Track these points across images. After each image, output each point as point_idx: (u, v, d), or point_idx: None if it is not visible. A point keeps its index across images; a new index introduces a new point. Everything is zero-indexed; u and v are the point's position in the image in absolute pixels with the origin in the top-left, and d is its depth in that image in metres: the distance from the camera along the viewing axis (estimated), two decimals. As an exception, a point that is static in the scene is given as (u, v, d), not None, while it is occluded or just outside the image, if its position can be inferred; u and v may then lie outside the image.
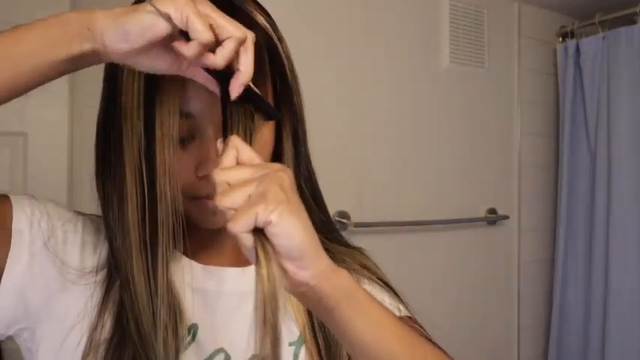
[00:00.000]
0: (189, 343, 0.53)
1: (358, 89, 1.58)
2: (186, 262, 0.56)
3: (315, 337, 0.56)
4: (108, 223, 0.52)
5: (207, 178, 0.49)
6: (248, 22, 0.49)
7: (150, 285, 0.50)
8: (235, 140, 0.43)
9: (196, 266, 0.56)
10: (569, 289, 1.98)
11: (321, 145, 1.70)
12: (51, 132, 1.73)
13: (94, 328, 0.50)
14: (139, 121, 0.48)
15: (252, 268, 0.52)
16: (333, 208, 1.52)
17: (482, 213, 1.87)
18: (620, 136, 1.82)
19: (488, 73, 1.88)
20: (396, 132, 1.66)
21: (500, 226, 1.93)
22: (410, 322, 0.60)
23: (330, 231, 0.63)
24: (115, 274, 0.52)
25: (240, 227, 0.38)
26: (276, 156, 0.56)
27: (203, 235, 0.57)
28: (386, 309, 0.46)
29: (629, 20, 1.85)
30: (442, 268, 1.76)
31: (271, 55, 0.53)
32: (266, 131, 0.52)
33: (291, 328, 0.57)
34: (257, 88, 0.47)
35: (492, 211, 1.89)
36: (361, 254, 0.67)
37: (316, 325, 0.56)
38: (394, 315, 0.46)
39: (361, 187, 1.58)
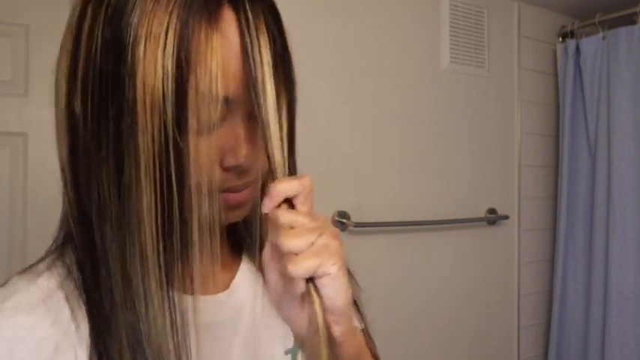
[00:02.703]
0: None
1: (358, 89, 1.58)
2: (179, 300, 0.45)
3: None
4: (104, 243, 0.41)
5: (234, 169, 0.44)
6: None
7: (169, 321, 0.42)
8: (308, 180, 0.42)
9: (185, 298, 0.46)
10: (569, 289, 1.98)
11: (321, 145, 1.71)
12: (51, 132, 1.73)
13: None
14: (166, 108, 0.39)
15: (230, 289, 0.53)
16: (333, 208, 1.53)
17: (482, 213, 1.87)
18: (620, 136, 1.82)
19: (489, 73, 1.88)
20: (396, 132, 1.66)
21: (500, 226, 1.93)
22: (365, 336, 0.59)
23: None
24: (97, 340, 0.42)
25: (302, 272, 0.39)
26: None
27: (187, 265, 0.47)
28: None
29: (629, 20, 1.84)
30: (442, 268, 1.76)
31: (285, 34, 0.47)
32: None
33: (285, 335, 0.54)
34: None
35: (492, 211, 1.89)
36: None
37: None
38: None
39: (361, 187, 1.58)
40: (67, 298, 0.42)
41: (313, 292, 0.40)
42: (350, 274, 0.61)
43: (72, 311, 0.42)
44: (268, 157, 0.42)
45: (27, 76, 1.70)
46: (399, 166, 1.67)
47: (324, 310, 0.40)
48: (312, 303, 0.40)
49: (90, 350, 0.41)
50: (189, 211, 0.41)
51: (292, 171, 0.47)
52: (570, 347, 1.96)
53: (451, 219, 1.75)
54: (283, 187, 0.41)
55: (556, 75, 2.10)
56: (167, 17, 0.38)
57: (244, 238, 0.56)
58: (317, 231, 0.40)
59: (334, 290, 0.40)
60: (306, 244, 0.39)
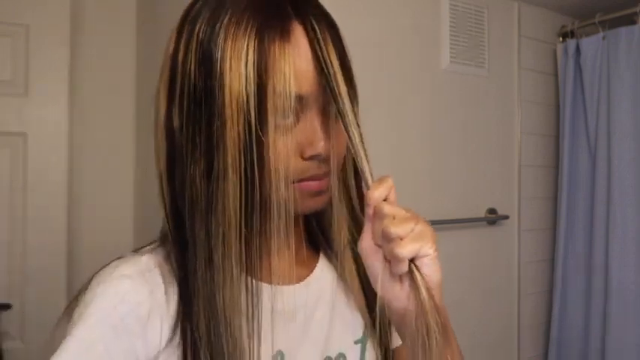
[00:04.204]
0: None
1: (357, 89, 1.58)
2: (253, 283, 0.53)
3: (379, 333, 0.60)
4: (193, 230, 0.49)
5: (315, 159, 0.51)
6: (328, 15, 0.56)
7: (244, 298, 0.50)
8: (391, 182, 0.51)
9: (264, 287, 0.54)
10: (569, 289, 1.98)
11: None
12: (51, 132, 1.74)
13: None
14: (249, 108, 0.47)
15: (301, 285, 0.59)
16: (333, 208, 1.53)
17: (482, 213, 1.87)
18: (620, 136, 1.82)
19: (489, 73, 1.88)
20: (396, 132, 1.66)
21: (500, 226, 1.93)
22: None
23: None
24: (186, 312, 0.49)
25: (407, 253, 0.47)
26: None
27: (264, 255, 0.54)
28: (459, 347, 0.61)
29: (629, 20, 1.85)
30: (442, 268, 1.76)
31: (345, 47, 0.57)
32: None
33: (355, 327, 0.60)
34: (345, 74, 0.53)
35: (492, 211, 1.89)
36: None
37: (379, 321, 0.59)
38: (461, 354, 0.60)
39: (361, 187, 1.58)
40: (163, 276, 0.51)
41: (416, 271, 0.48)
42: None
43: (165, 288, 0.51)
44: (349, 138, 0.51)
45: (27, 76, 1.71)
46: (398, 166, 1.67)
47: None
48: (416, 279, 0.47)
49: (174, 325, 0.49)
50: (269, 194, 0.49)
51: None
52: (570, 347, 1.96)
53: (451, 219, 1.75)
54: (377, 194, 0.50)
55: (556, 75, 2.10)
56: (247, 37, 0.47)
57: (320, 239, 0.64)
58: (414, 219, 0.48)
59: (432, 269, 0.48)
60: (409, 230, 0.47)
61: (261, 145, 0.48)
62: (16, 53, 1.71)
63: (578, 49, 1.97)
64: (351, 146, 0.51)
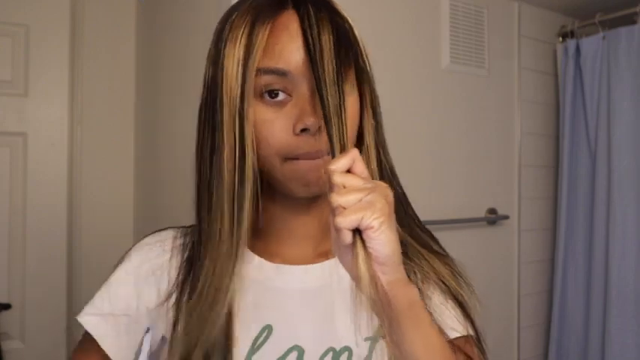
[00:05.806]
0: (263, 343, 0.56)
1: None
2: (257, 260, 0.59)
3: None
4: (201, 202, 0.56)
5: (305, 134, 0.53)
6: (333, 9, 0.56)
7: (231, 267, 0.54)
8: (355, 153, 0.48)
9: (267, 265, 0.60)
10: (569, 289, 1.98)
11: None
12: (51, 132, 1.74)
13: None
14: (237, 85, 0.52)
15: (314, 267, 0.61)
16: (333, 208, 1.53)
17: (482, 213, 1.87)
18: (620, 136, 1.82)
19: (488, 72, 1.88)
20: (396, 132, 1.66)
21: (500, 226, 1.93)
22: (468, 344, 0.61)
23: (412, 218, 0.68)
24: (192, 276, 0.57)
25: (346, 223, 0.45)
26: (359, 131, 0.60)
27: (271, 235, 0.61)
28: (440, 333, 0.52)
29: (629, 20, 1.85)
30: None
31: (354, 37, 0.60)
32: (352, 107, 0.56)
33: (369, 324, 0.58)
34: (343, 68, 0.53)
35: (492, 211, 1.89)
36: (444, 263, 0.64)
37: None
38: (445, 341, 0.52)
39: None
40: (172, 248, 0.62)
41: (358, 243, 0.46)
42: (466, 282, 0.63)
43: (170, 257, 0.61)
44: (322, 107, 0.49)
45: (27, 76, 1.71)
46: (398, 166, 1.66)
47: (372, 260, 0.46)
48: (355, 253, 0.46)
49: (171, 287, 0.58)
50: (263, 170, 0.54)
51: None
52: (570, 347, 1.96)
53: (451, 219, 1.75)
54: (334, 166, 0.47)
55: (556, 75, 2.10)
56: (243, 24, 0.53)
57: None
58: (366, 190, 0.45)
59: (378, 242, 0.45)
60: (353, 200, 0.45)
61: (243, 119, 0.52)
62: (16, 53, 1.71)
63: (578, 49, 1.97)
64: (322, 116, 0.50)
